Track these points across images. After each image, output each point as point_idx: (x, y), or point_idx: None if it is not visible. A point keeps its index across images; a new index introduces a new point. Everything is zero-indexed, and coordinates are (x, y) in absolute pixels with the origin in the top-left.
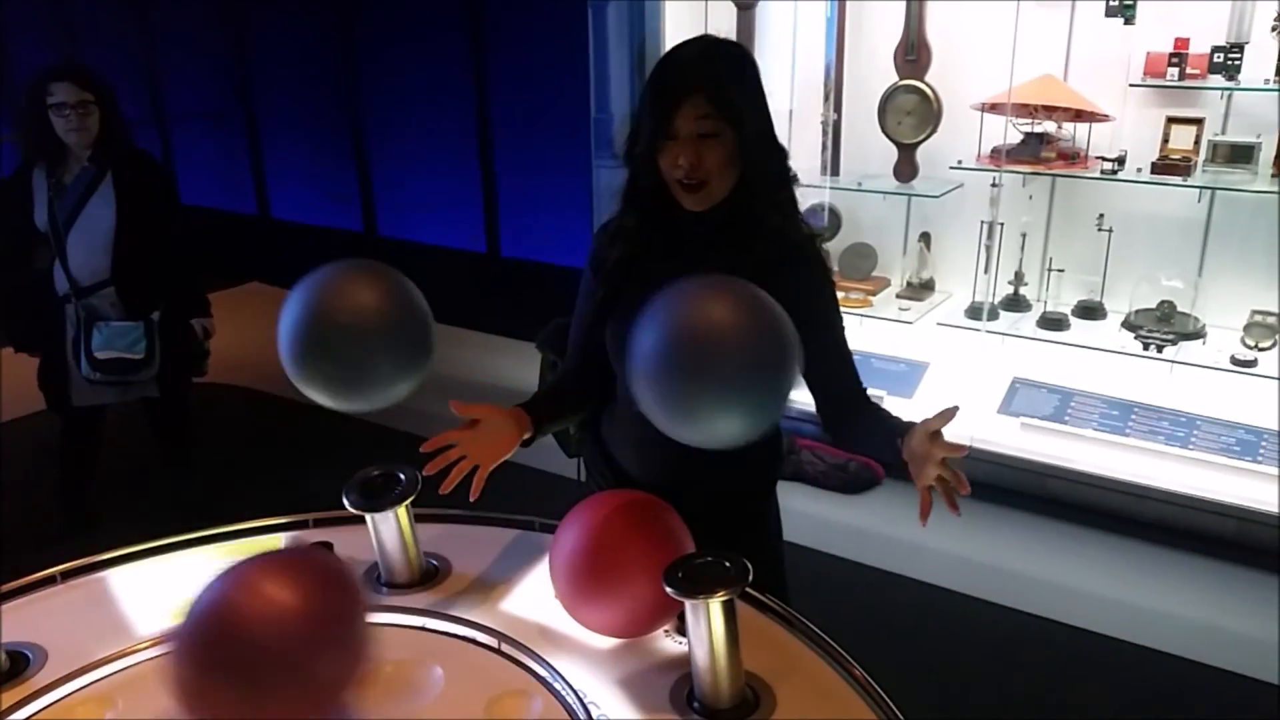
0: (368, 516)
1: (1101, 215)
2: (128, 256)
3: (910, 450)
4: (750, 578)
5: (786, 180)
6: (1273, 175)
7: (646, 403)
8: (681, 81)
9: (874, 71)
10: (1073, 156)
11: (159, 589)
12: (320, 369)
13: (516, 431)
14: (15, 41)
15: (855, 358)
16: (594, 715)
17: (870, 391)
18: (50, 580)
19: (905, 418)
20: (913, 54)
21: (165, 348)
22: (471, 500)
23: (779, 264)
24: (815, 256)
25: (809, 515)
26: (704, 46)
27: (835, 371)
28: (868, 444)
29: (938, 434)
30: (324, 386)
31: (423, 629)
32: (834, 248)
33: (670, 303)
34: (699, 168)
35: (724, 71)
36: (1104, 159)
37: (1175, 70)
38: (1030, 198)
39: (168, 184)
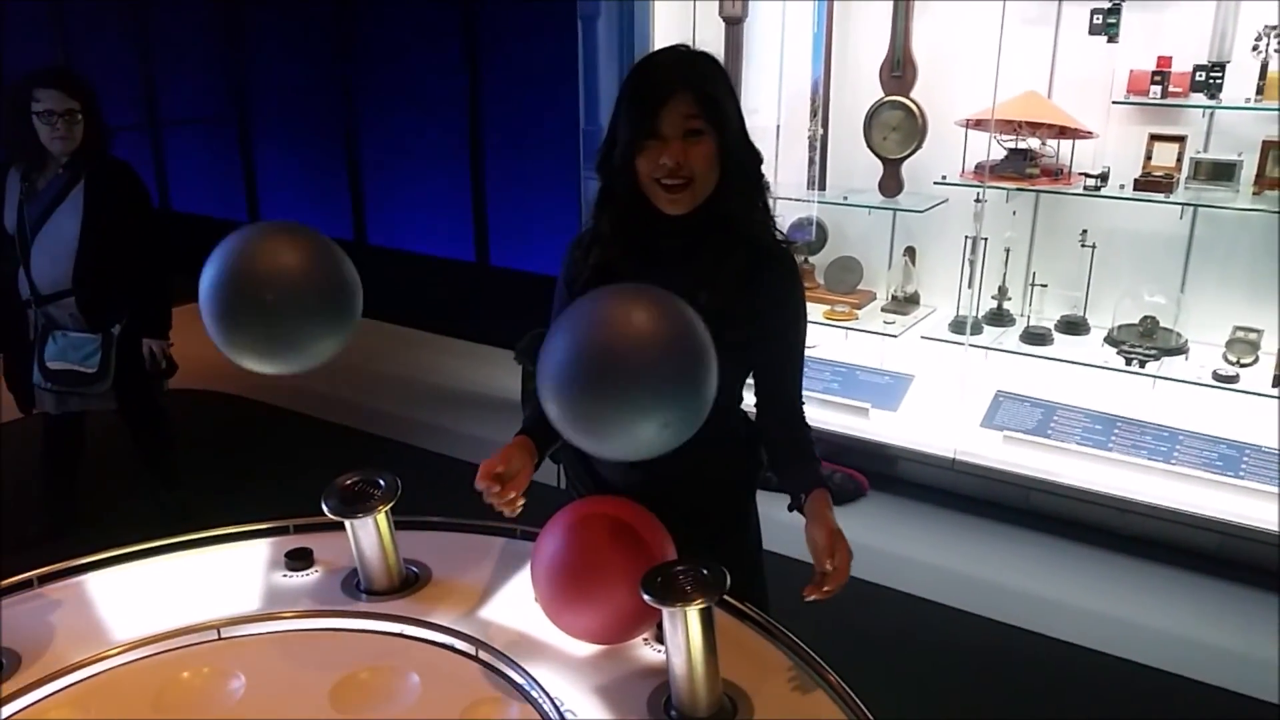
0: (347, 523)
1: (1085, 231)
2: (89, 269)
3: (808, 533)
4: (727, 586)
5: (761, 186)
6: (1254, 193)
7: (553, 415)
8: (667, 81)
9: (860, 87)
10: (1056, 173)
11: (135, 594)
12: (244, 330)
13: (530, 460)
14: (8, 42)
15: (841, 370)
16: None
17: (855, 404)
18: (26, 584)
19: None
20: (898, 70)
21: (123, 363)
22: (512, 515)
23: (755, 270)
24: (790, 266)
25: (791, 526)
26: (683, 52)
27: (782, 380)
28: (780, 471)
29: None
30: (249, 347)
31: (400, 635)
32: (820, 261)
33: (576, 314)
34: (684, 166)
35: (707, 74)
36: (1087, 175)
37: (1158, 88)
38: (1014, 213)
39: (142, 197)
